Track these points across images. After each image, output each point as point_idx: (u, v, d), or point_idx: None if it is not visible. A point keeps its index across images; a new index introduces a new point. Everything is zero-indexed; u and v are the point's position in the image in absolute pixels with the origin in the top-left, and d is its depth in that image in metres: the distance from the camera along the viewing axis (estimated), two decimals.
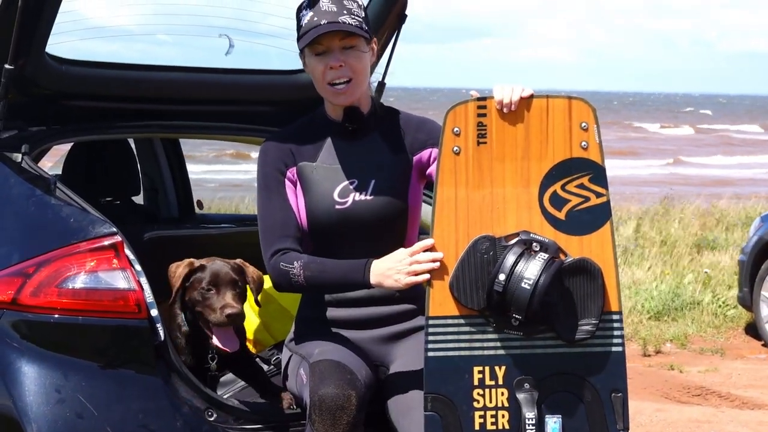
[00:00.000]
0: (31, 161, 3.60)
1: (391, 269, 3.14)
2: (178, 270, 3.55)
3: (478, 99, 3.15)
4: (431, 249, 3.11)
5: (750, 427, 6.43)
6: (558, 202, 3.15)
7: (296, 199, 3.38)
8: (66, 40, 3.96)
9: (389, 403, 3.31)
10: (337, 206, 3.34)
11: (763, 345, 8.70)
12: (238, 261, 3.64)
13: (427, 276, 3.10)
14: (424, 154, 3.42)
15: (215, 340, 3.47)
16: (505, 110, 3.13)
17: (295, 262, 3.25)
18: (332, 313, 3.42)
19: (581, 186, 3.16)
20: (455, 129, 3.13)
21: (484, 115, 3.14)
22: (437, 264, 3.09)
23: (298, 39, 3.36)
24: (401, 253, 3.16)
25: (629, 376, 7.60)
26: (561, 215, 3.15)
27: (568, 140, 3.15)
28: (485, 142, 3.14)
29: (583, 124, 3.15)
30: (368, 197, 3.35)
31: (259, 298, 3.74)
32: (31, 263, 3.16)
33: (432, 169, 3.37)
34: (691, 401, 7.11)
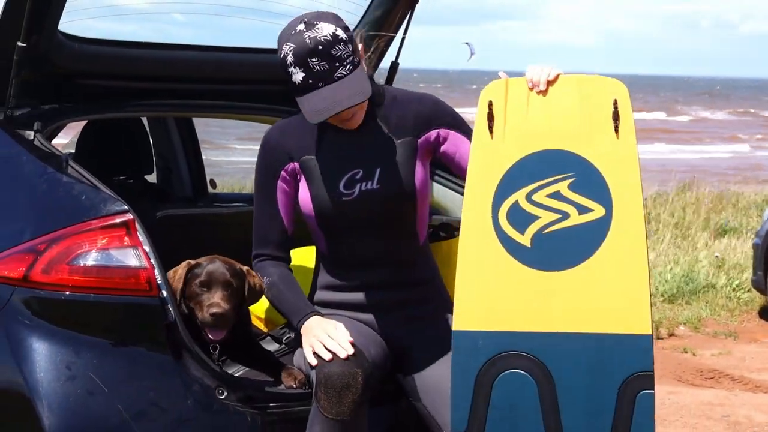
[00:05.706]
0: (44, 139, 3.60)
1: (314, 335, 3.19)
2: (178, 272, 3.41)
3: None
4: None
5: (763, 410, 6.41)
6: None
7: (288, 200, 3.38)
8: (80, 18, 3.95)
9: (414, 380, 3.34)
10: (344, 198, 3.32)
11: None
12: (245, 268, 3.48)
13: (327, 356, 3.12)
14: (431, 134, 3.39)
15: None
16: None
17: (265, 278, 3.39)
18: (346, 297, 3.42)
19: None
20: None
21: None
22: (344, 352, 3.11)
23: (294, 93, 3.22)
24: (332, 327, 3.20)
25: None
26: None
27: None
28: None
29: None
30: (375, 186, 3.33)
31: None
32: (43, 240, 3.15)
33: (445, 148, 3.40)
34: (704, 384, 7.09)
